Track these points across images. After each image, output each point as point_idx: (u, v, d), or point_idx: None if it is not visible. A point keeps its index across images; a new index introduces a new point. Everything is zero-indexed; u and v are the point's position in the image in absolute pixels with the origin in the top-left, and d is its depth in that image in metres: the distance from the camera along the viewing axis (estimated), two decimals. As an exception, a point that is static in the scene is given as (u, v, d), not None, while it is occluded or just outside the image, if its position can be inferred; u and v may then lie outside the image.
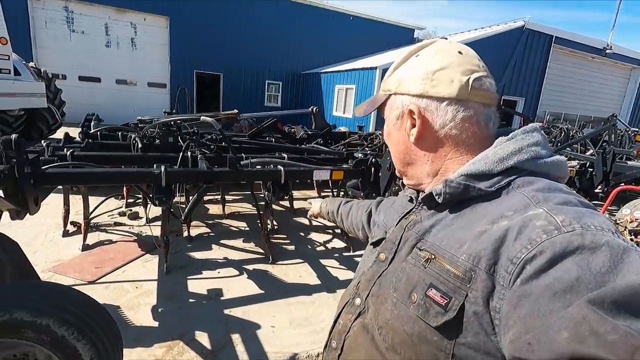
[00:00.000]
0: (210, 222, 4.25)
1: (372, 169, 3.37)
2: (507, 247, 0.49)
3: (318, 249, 3.80)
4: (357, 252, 3.76)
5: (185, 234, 3.73)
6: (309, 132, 5.28)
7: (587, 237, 0.44)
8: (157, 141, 3.65)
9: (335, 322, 0.78)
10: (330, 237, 4.13)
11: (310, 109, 5.15)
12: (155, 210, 3.90)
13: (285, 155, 3.57)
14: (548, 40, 14.15)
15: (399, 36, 17.22)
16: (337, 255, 3.67)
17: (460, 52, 0.65)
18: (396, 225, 0.73)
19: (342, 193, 4.11)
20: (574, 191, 0.57)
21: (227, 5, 13.72)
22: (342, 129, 6.97)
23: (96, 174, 2.40)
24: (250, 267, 3.23)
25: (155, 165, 2.57)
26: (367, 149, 4.43)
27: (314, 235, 4.13)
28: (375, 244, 0.80)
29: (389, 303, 0.63)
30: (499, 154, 0.59)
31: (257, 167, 3.15)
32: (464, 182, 0.59)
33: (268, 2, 14.41)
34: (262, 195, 3.27)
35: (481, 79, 0.63)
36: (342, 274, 3.27)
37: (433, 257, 0.59)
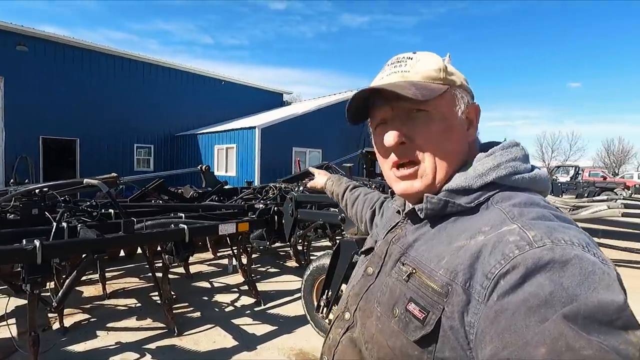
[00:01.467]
0: (88, 306, 3.55)
1: (276, 217, 3.51)
2: (482, 262, 0.50)
3: (227, 309, 3.58)
4: (269, 305, 3.68)
5: (57, 325, 3.02)
6: (199, 191, 5.12)
7: (557, 251, 0.45)
8: (12, 216, 2.99)
9: (326, 337, 0.78)
10: (237, 295, 3.94)
11: (199, 167, 5.05)
12: (12, 302, 3.06)
13: (183, 215, 3.41)
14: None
15: (270, 99, 18.65)
16: (248, 312, 3.52)
17: None
18: (383, 238, 0.74)
19: (248, 248, 4.05)
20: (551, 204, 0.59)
21: (81, 66, 12.59)
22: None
23: None
24: (153, 345, 2.81)
25: (24, 240, 2.13)
26: (262, 200, 4.56)
27: (219, 297, 3.88)
28: (365, 252, 0.81)
29: (373, 317, 0.63)
30: (478, 169, 0.60)
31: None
32: (444, 197, 0.60)
33: (130, 64, 13.86)
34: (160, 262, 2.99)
35: None
36: (259, 329, 3.15)
37: (414, 271, 0.59)
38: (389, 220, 0.79)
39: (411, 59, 0.65)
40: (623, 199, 6.67)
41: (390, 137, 0.62)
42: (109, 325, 3.14)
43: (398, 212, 0.76)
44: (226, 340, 2.94)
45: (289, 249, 5.40)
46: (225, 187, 5.45)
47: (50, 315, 3.13)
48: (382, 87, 0.61)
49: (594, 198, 7.40)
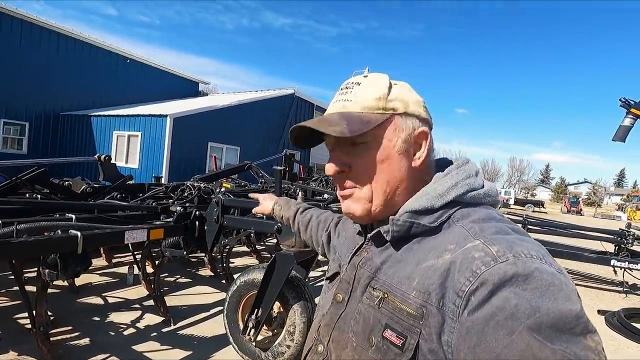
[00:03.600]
0: None
1: (197, 223, 3.04)
2: (452, 280, 0.51)
3: (126, 332, 2.95)
4: (181, 324, 3.17)
5: None
6: (95, 185, 4.23)
7: (519, 265, 0.47)
8: None
9: None
10: (139, 313, 3.31)
11: (96, 156, 4.17)
12: None
13: (73, 216, 2.69)
14: (311, 107, 17.66)
15: (183, 87, 17.08)
16: (154, 334, 2.96)
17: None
18: (349, 263, 0.71)
19: (157, 257, 3.44)
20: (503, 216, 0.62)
21: None
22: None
23: None
24: (17, 390, 2.11)
25: None
26: (178, 201, 3.97)
27: (115, 316, 3.20)
28: (331, 278, 0.78)
29: (349, 348, 0.61)
30: (438, 190, 0.62)
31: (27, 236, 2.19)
32: (409, 219, 0.60)
33: (3, 20, 11.17)
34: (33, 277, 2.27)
35: None
36: (170, 355, 2.65)
37: (386, 296, 0.58)
38: (351, 242, 0.78)
39: (359, 84, 0.65)
40: (505, 214, 7.79)
41: (329, 167, 0.66)
42: (-54, 365, 2.29)
43: (359, 233, 0.76)
44: (126, 375, 2.39)
45: (204, 255, 4.85)
46: (129, 182, 4.63)
47: None
48: (310, 126, 0.64)
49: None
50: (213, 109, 11.53)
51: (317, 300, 0.98)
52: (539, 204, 30.54)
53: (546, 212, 27.79)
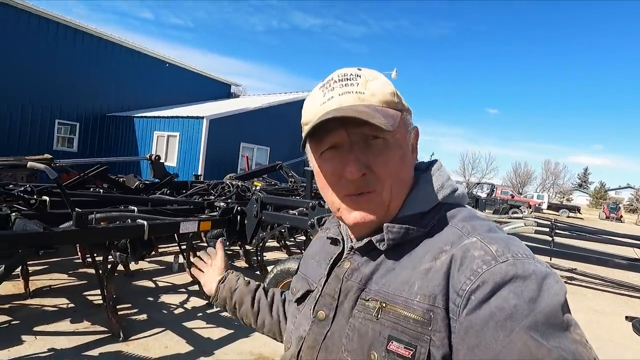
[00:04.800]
0: (6, 305, 3.06)
1: (238, 217, 3.41)
2: (453, 279, 0.50)
3: (176, 311, 3.36)
4: (222, 307, 3.55)
5: (-32, 329, 2.56)
6: (146, 182, 4.73)
7: (518, 266, 0.48)
8: None
9: None
10: (185, 296, 3.72)
11: (148, 156, 4.66)
12: None
13: (135, 209, 3.13)
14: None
15: (217, 89, 17.85)
16: (200, 314, 3.35)
17: None
18: (329, 275, 0.65)
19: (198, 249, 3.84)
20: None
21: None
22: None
23: None
24: (95, 352, 2.54)
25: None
26: (220, 198, 4.38)
27: (166, 298, 3.62)
28: (300, 300, 0.70)
29: None
30: (428, 193, 0.61)
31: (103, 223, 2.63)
32: (405, 225, 0.58)
33: (57, 28, 12.22)
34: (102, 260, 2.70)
35: None
36: (214, 332, 3.02)
37: (384, 305, 0.54)
38: (324, 252, 0.71)
39: (359, 76, 0.59)
40: (534, 217, 7.72)
41: (354, 170, 0.56)
42: (37, 328, 2.75)
43: (333, 242, 0.70)
44: (180, 345, 2.77)
45: (239, 248, 5.25)
46: (174, 179, 5.11)
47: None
48: (352, 115, 0.53)
49: (511, 215, 8.42)
50: (245, 111, 12.08)
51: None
52: (575, 209, 29.21)
53: (582, 218, 26.55)
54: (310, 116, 0.60)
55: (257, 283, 0.96)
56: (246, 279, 0.96)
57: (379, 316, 0.54)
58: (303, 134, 0.61)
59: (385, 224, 0.58)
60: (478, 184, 27.78)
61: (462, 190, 0.64)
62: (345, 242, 0.67)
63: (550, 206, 29.38)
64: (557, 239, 6.29)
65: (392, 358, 0.50)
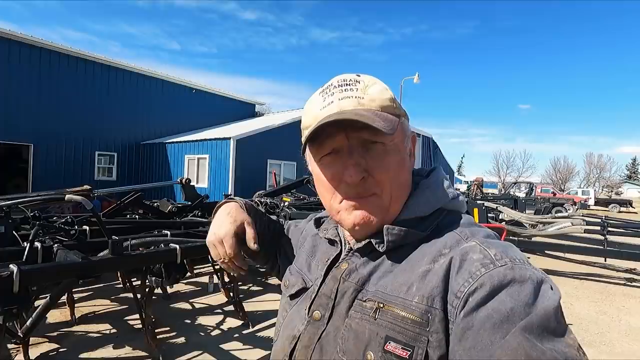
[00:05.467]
0: (54, 333, 3.19)
1: (268, 235, 3.39)
2: (451, 281, 0.51)
3: (213, 333, 3.37)
4: (258, 326, 3.52)
5: (20, 357, 2.67)
6: (179, 205, 4.86)
7: (516, 270, 0.49)
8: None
9: None
10: (221, 317, 3.73)
11: (178, 179, 4.80)
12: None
13: (168, 232, 3.19)
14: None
15: (242, 110, 18.37)
16: (237, 335, 3.33)
17: None
18: (326, 275, 0.65)
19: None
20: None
21: (39, 67, 11.72)
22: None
23: None
24: (136, 377, 2.57)
25: (-4, 265, 1.87)
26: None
27: (203, 319, 3.65)
28: (294, 296, 0.70)
29: None
30: (428, 197, 0.61)
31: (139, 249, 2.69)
32: (405, 228, 0.58)
33: (94, 67, 13.12)
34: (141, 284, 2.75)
35: None
36: (252, 354, 2.99)
37: (382, 305, 0.54)
38: (321, 253, 0.71)
39: (358, 82, 0.60)
40: (582, 215, 7.18)
41: (354, 174, 0.57)
42: (82, 355, 2.84)
43: (331, 242, 0.70)
44: (217, 368, 2.75)
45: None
46: (205, 200, 5.21)
47: (11, 346, 2.77)
48: (354, 118, 0.54)
49: (555, 215, 7.90)
50: (270, 128, 12.29)
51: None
52: (626, 203, 27.07)
53: (636, 212, 24.55)
54: (310, 120, 0.61)
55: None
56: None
57: (376, 317, 0.54)
58: (303, 139, 0.61)
59: (385, 226, 0.58)
60: (515, 183, 26.43)
61: (461, 197, 0.65)
62: (343, 245, 0.67)
63: (598, 201, 27.45)
64: (611, 238, 5.79)
65: (389, 358, 0.50)
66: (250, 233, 0.75)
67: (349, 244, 0.65)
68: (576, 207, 17.90)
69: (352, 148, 0.58)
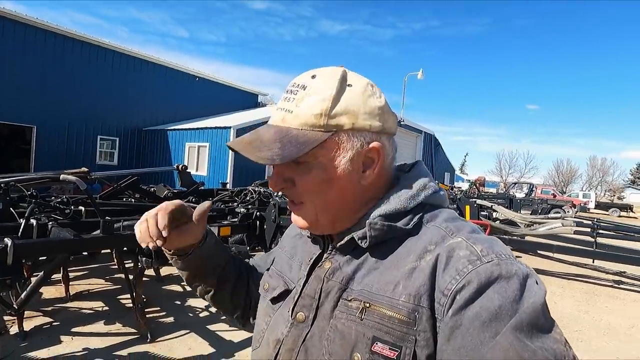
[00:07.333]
0: (49, 308, 3.32)
1: (258, 222, 3.49)
2: (438, 279, 0.51)
3: (201, 315, 3.49)
4: (245, 310, 3.64)
5: (15, 329, 2.80)
6: (174, 191, 4.96)
7: (502, 266, 0.48)
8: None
9: None
10: (211, 300, 3.85)
11: (175, 166, 4.89)
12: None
13: (161, 216, 3.29)
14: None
15: (244, 99, 18.38)
16: (224, 317, 3.45)
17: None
18: (309, 275, 0.63)
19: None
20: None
21: (44, 50, 11.77)
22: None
23: None
24: (124, 352, 2.69)
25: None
26: (241, 204, 4.50)
27: (193, 302, 3.77)
28: (277, 299, 0.67)
29: None
30: (409, 192, 0.60)
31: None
32: (386, 222, 0.57)
33: (98, 51, 13.16)
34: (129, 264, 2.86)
35: None
36: (236, 335, 3.10)
37: (367, 305, 0.53)
38: (303, 252, 0.68)
39: (304, 87, 0.57)
40: (574, 216, 7.25)
41: (272, 183, 0.60)
42: (74, 329, 2.97)
43: (313, 240, 0.67)
44: (202, 347, 2.87)
45: (263, 252, 5.35)
46: (201, 187, 5.32)
47: (6, 318, 2.90)
48: (237, 150, 0.56)
49: (548, 215, 7.97)
50: (269, 118, 12.32)
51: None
52: (627, 208, 27.00)
53: (636, 217, 24.51)
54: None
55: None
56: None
57: (362, 317, 0.53)
58: None
59: (367, 221, 0.57)
60: (515, 183, 26.41)
61: (443, 192, 0.64)
62: (326, 243, 0.65)
63: (599, 205, 27.34)
64: (601, 240, 5.86)
65: (376, 359, 0.50)
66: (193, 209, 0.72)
67: (331, 242, 0.64)
68: (576, 209, 17.85)
69: None
